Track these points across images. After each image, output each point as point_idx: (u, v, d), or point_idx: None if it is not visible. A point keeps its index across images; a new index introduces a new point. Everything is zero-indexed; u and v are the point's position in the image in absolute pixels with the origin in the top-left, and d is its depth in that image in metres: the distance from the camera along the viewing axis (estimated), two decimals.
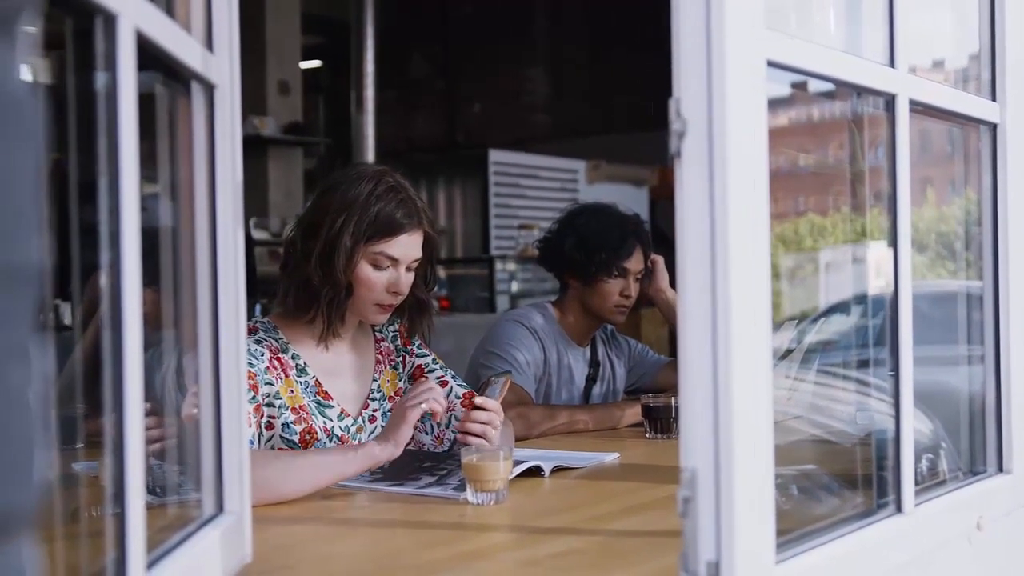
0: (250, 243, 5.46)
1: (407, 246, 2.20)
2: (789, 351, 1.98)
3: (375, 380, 2.35)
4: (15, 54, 0.56)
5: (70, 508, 1.26)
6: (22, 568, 0.58)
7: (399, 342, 2.42)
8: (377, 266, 2.19)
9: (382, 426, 2.30)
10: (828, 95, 1.71)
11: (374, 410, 2.32)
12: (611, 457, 2.34)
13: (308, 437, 2.17)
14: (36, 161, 0.57)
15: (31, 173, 0.56)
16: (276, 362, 2.18)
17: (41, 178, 0.58)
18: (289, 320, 2.26)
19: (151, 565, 1.09)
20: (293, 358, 2.22)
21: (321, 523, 1.80)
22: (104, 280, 1.00)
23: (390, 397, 2.36)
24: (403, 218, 2.18)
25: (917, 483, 1.53)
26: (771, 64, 1.24)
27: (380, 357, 2.38)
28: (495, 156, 8.05)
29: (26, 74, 0.57)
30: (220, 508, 1.36)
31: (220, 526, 1.32)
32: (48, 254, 0.61)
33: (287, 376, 2.19)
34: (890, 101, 1.51)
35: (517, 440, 2.63)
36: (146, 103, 1.07)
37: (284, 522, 1.78)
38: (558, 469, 2.17)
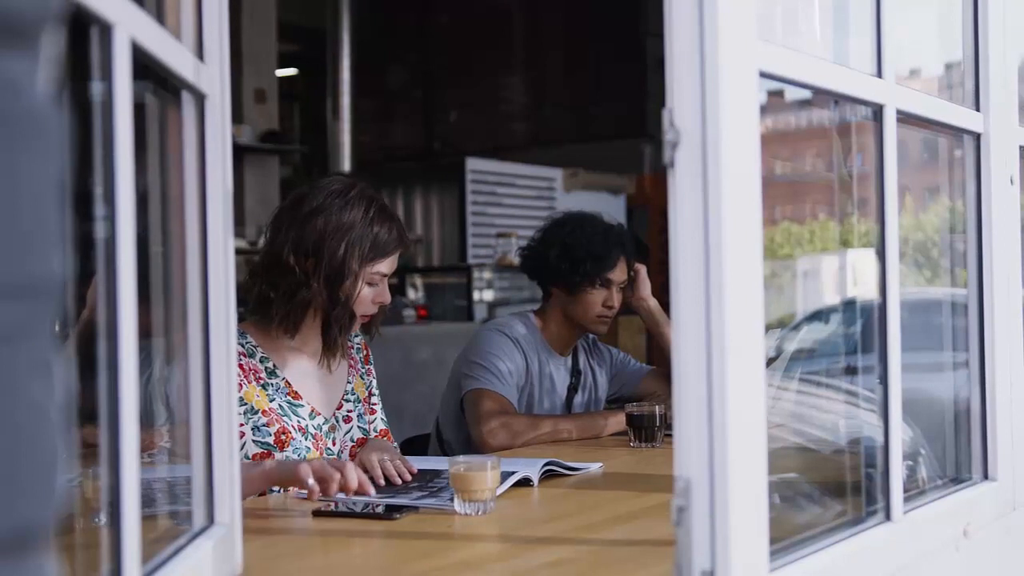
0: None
1: (395, 261, 2.33)
2: (771, 359, 1.99)
3: (349, 382, 2.42)
4: (38, 67, 0.56)
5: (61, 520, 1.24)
6: None
7: (361, 356, 2.50)
8: (371, 283, 2.29)
9: (358, 427, 2.40)
10: (803, 103, 1.72)
11: (348, 411, 2.39)
12: (596, 467, 2.34)
13: (283, 437, 2.23)
14: (59, 174, 0.57)
15: (54, 186, 0.56)
16: (238, 368, 2.20)
17: (63, 191, 0.58)
18: (262, 326, 2.31)
19: None
20: (262, 361, 2.27)
21: (311, 535, 1.80)
22: (101, 289, 0.99)
23: (363, 400, 2.44)
24: (397, 238, 2.31)
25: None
26: (763, 74, 1.25)
27: (352, 362, 2.46)
28: (472, 164, 8.03)
29: (47, 86, 0.57)
30: (211, 520, 1.35)
31: (212, 538, 1.31)
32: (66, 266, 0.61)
33: (250, 382, 2.24)
34: (878, 111, 1.52)
35: (501, 450, 2.63)
36: (135, 113, 1.07)
37: (274, 534, 1.77)
38: (548, 474, 2.18)
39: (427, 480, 2.14)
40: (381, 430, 2.47)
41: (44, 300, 0.56)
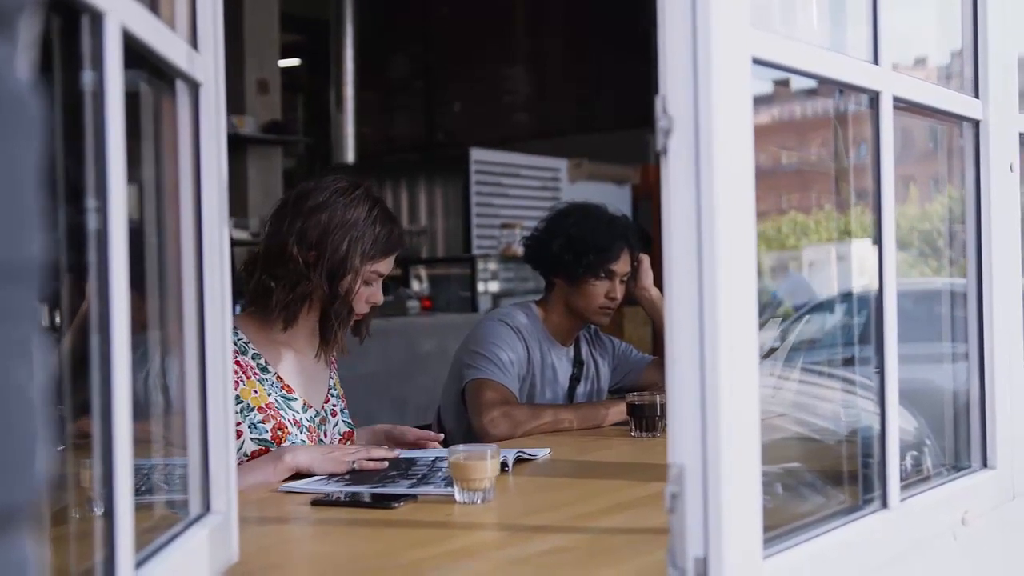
0: (229, 243, 5.47)
1: (392, 263, 2.36)
2: (773, 349, 1.99)
3: (331, 378, 2.45)
4: (15, 52, 0.56)
5: (53, 509, 1.25)
6: (26, 560, 0.58)
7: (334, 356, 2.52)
8: (367, 282, 2.31)
9: (343, 420, 2.43)
10: (809, 93, 1.71)
11: (333, 405, 2.41)
12: (543, 452, 2.35)
13: (280, 433, 2.24)
14: (37, 158, 0.57)
15: (33, 170, 0.56)
16: (235, 365, 2.22)
17: (42, 175, 0.58)
18: (254, 320, 2.32)
19: (139, 564, 1.08)
20: (253, 358, 2.29)
21: (307, 523, 1.80)
22: (93, 281, 0.99)
23: (341, 396, 2.47)
24: (398, 239, 2.33)
25: (902, 479, 1.54)
26: (756, 61, 1.24)
27: (332, 358, 2.48)
28: (476, 155, 8.02)
29: (26, 72, 0.57)
30: (207, 508, 1.35)
31: (207, 525, 1.31)
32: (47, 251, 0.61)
33: (248, 377, 2.24)
34: (874, 98, 1.51)
35: (502, 439, 2.63)
36: (129, 102, 1.07)
37: (270, 522, 1.77)
38: (519, 461, 2.22)
39: (406, 468, 2.13)
40: (345, 432, 2.45)
41: (24, 283, 0.56)
